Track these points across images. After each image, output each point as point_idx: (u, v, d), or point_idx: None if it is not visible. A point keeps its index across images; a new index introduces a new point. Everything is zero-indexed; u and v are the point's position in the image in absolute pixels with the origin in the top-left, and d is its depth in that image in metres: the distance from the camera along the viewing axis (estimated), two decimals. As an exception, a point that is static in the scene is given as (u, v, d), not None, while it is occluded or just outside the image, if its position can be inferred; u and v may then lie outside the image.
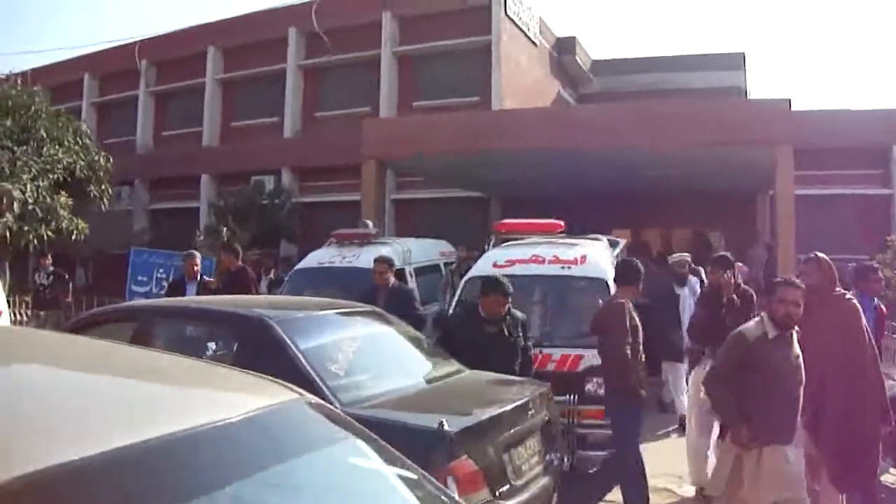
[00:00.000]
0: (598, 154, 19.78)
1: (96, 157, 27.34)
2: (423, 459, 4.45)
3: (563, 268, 11.17)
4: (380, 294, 11.74)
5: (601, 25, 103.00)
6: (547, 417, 7.40)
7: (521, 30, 31.18)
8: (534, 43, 32.64)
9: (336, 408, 5.27)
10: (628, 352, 8.44)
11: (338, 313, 8.24)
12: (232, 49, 35.79)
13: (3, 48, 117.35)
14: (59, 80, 39.20)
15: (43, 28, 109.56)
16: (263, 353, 6.67)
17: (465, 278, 12.24)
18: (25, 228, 23.44)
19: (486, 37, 29.55)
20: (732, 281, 9.76)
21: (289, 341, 6.76)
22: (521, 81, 30.74)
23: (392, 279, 12.42)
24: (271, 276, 17.85)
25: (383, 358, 7.86)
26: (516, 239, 13.52)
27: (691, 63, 37.30)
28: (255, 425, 2.74)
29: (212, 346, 7.71)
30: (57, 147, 25.74)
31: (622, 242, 16.48)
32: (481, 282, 9.47)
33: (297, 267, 16.83)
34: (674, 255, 15.90)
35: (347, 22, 32.07)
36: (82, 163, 26.46)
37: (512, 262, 11.61)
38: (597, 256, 11.66)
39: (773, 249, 20.22)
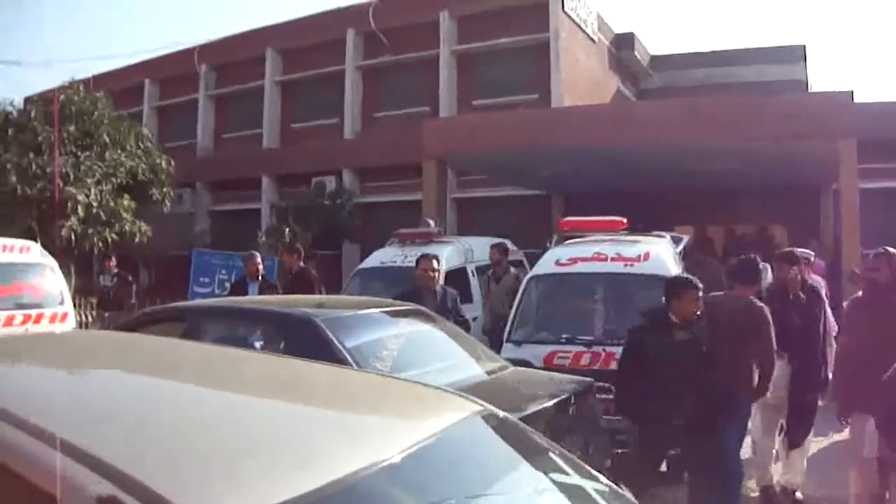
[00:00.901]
0: (659, 150, 19.62)
1: (158, 161, 27.72)
2: None
3: (626, 265, 11.09)
4: (426, 297, 10.54)
5: (659, 20, 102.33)
6: (590, 414, 7.50)
7: (578, 26, 31.04)
8: (592, 39, 32.49)
9: None
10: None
11: (382, 312, 8.42)
12: (290, 51, 35.98)
13: (67, 55, 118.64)
14: (121, 85, 39.53)
15: (105, 36, 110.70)
16: (311, 351, 6.38)
17: (528, 277, 12.18)
18: (90, 231, 23.83)
19: (544, 34, 29.43)
20: (799, 277, 9.58)
21: (335, 340, 6.98)
22: (580, 78, 30.62)
23: (439, 281, 11.57)
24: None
25: (427, 355, 7.95)
26: (579, 236, 13.45)
27: (751, 56, 36.96)
28: (456, 441, 2.72)
29: (259, 345, 7.66)
30: (119, 151, 26.16)
31: (685, 239, 16.39)
32: (667, 283, 8.38)
33: (359, 267, 16.93)
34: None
35: (405, 22, 32.09)
36: (144, 166, 26.86)
37: (574, 260, 11.56)
38: (660, 253, 11.56)
39: (838, 243, 19.97)
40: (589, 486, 2.95)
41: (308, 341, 6.91)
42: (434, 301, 10.61)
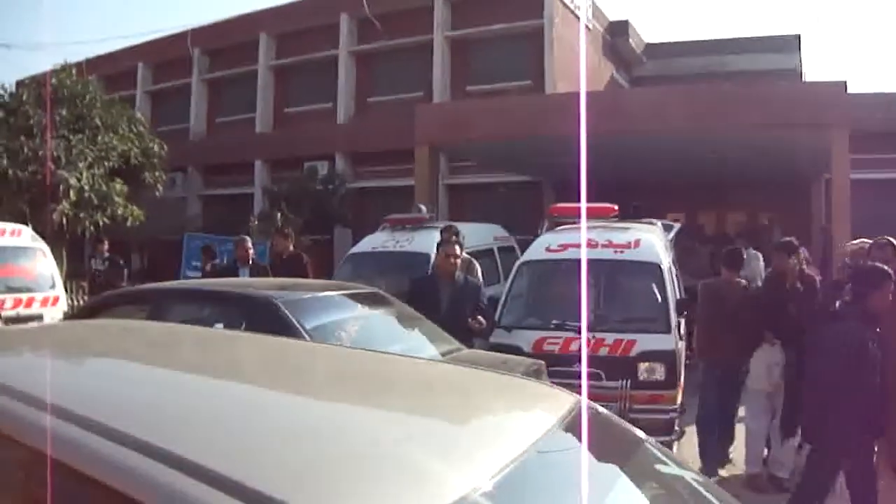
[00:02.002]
0: (651, 137, 19.63)
1: (150, 145, 27.67)
2: None
3: (616, 252, 11.04)
4: (444, 289, 9.78)
5: (654, 8, 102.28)
6: None
7: (573, 13, 31.02)
8: (586, 27, 32.48)
9: None
10: None
11: (341, 295, 8.63)
12: (284, 36, 35.98)
13: (59, 39, 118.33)
14: (114, 69, 39.85)
15: (99, 19, 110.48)
16: (271, 332, 6.36)
17: (518, 263, 12.19)
18: (81, 215, 23.79)
19: (538, 20, 29.45)
20: (797, 268, 9.64)
21: (295, 321, 7.18)
22: (574, 65, 30.59)
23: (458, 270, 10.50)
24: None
25: (385, 337, 8.12)
26: (569, 223, 13.45)
27: (745, 45, 37.04)
28: (567, 438, 2.64)
29: (220, 326, 7.79)
30: (112, 135, 26.07)
31: (676, 227, 16.40)
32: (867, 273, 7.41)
33: (351, 251, 16.90)
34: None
35: (399, 7, 32.10)
36: (137, 150, 26.79)
37: (565, 247, 11.53)
38: (651, 240, 11.54)
39: (829, 233, 20.00)
40: (688, 475, 2.98)
41: (269, 322, 7.04)
42: (452, 289, 9.72)
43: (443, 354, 7.86)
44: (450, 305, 9.31)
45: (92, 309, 8.12)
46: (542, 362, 8.25)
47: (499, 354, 8.86)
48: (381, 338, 8.03)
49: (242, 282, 10.87)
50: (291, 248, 14.25)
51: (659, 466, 2.93)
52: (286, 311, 7.24)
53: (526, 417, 2.81)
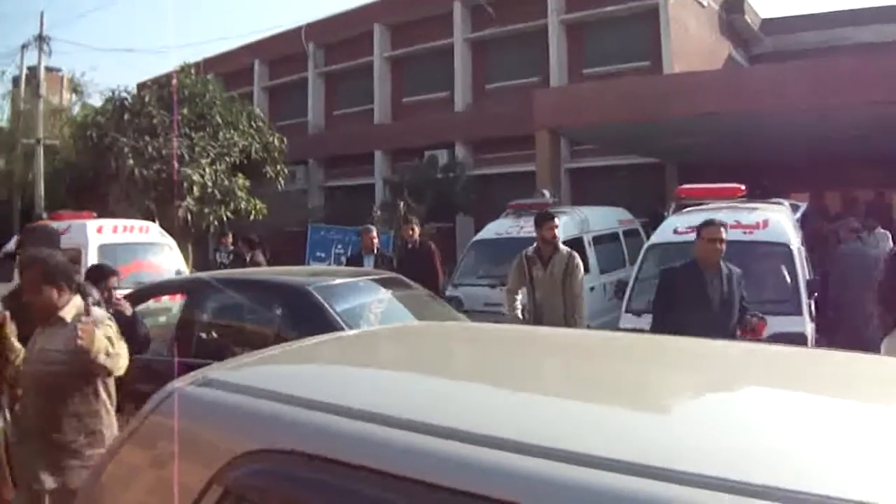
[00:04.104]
0: (773, 116, 19.40)
1: (270, 139, 28.21)
2: None
3: (745, 233, 11.00)
4: (711, 281, 8.37)
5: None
6: None
7: (688, -8, 30.75)
8: (701, 4, 32.06)
9: None
10: None
11: (366, 280, 9.50)
12: (398, 26, 36.26)
13: (177, 41, 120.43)
14: (231, 67, 40.59)
15: (215, 21, 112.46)
16: (306, 316, 7.85)
17: (646, 246, 12.25)
18: (205, 211, 24.36)
19: (653, 1, 29.21)
20: None
21: (327, 305, 7.90)
22: (691, 44, 30.27)
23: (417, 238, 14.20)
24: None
25: (407, 316, 8.72)
26: (697, 205, 13.42)
27: (865, 17, 36.07)
28: None
29: (257, 313, 8.78)
30: (232, 131, 26.65)
31: (803, 206, 16.24)
32: None
33: (475, 238, 17.10)
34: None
35: (512, -8, 32.05)
36: (257, 145, 27.36)
37: (693, 229, 11.55)
38: (780, 221, 11.49)
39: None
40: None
41: (303, 307, 7.87)
42: (719, 281, 8.36)
43: None
44: (721, 300, 8.31)
45: (132, 299, 8.62)
46: None
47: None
48: (402, 316, 8.66)
49: (276, 271, 11.71)
50: (418, 237, 14.39)
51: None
52: (319, 297, 7.88)
53: None
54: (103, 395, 5.59)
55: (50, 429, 5.36)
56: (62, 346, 5.33)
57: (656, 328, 8.22)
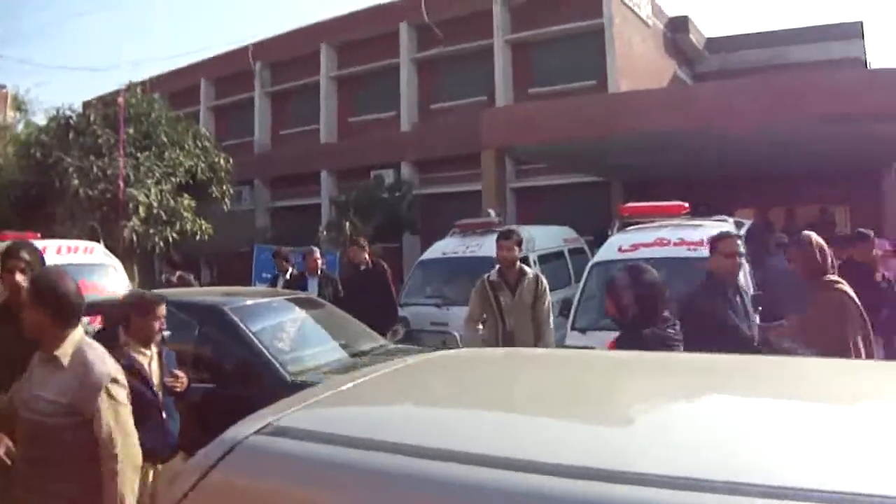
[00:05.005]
0: (717, 133, 19.51)
1: (216, 159, 28.13)
2: None
3: (689, 249, 11.05)
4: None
5: (714, 3, 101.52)
6: None
7: (633, 11, 30.89)
8: (646, 23, 32.32)
9: (285, 377, 7.51)
10: None
11: (280, 300, 9.79)
12: (345, 46, 36.16)
13: (124, 59, 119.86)
14: (177, 86, 40.55)
15: (161, 39, 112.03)
16: (221, 335, 8.10)
17: (591, 264, 12.27)
18: (151, 231, 24.16)
19: (598, 20, 29.31)
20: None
21: (242, 325, 8.18)
22: (636, 63, 30.47)
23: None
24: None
25: (320, 335, 9.24)
26: (641, 223, 13.44)
27: (807, 35, 36.56)
28: None
29: (174, 332, 8.29)
30: (178, 151, 26.61)
31: (747, 224, 16.32)
32: None
33: (421, 258, 17.11)
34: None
35: (458, 12, 32.12)
36: (203, 165, 27.27)
37: (636, 246, 11.58)
38: (723, 238, 11.55)
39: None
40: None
41: (219, 327, 8.06)
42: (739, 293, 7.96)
43: (371, 350, 8.94)
44: (744, 314, 7.77)
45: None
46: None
47: (420, 349, 9.45)
48: (315, 337, 9.16)
49: (193, 291, 12.04)
50: (368, 257, 14.27)
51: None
52: (234, 316, 8.13)
53: None
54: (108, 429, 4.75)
55: (40, 479, 4.71)
56: (55, 394, 4.65)
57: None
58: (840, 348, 6.09)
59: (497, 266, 10.02)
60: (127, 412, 4.84)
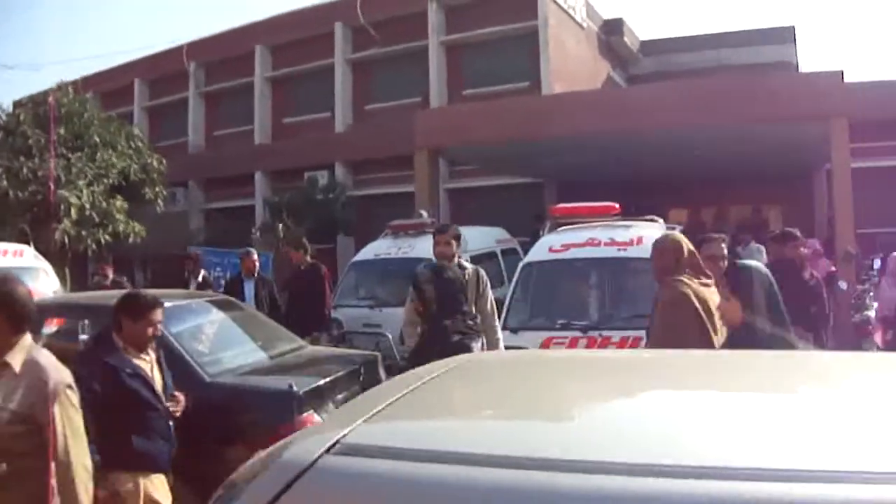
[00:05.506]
0: (651, 134, 19.64)
1: (149, 160, 27.72)
2: (277, 414, 6.71)
3: (619, 250, 11.15)
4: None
5: (648, 5, 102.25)
6: (377, 381, 8.15)
7: (567, 13, 31.04)
8: (581, 26, 32.48)
9: (204, 378, 7.40)
10: None
11: (198, 301, 9.64)
12: (279, 46, 35.99)
13: (55, 58, 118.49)
14: (110, 86, 40.02)
15: (94, 37, 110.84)
16: None
17: (522, 264, 12.28)
18: (83, 233, 23.78)
19: (532, 22, 29.41)
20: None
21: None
22: (570, 65, 30.61)
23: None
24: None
25: (239, 337, 9.16)
26: (572, 223, 13.46)
27: (740, 39, 37.01)
28: None
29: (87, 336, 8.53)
30: (110, 152, 26.13)
31: (679, 227, 16.45)
32: None
33: (353, 260, 17.05)
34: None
35: (393, 13, 32.11)
36: (136, 166, 26.85)
37: (567, 247, 11.62)
38: (653, 237, 11.59)
39: (832, 223, 20.02)
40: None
41: None
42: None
43: (290, 350, 9.01)
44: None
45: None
46: (378, 354, 9.35)
47: (339, 349, 10.38)
48: (234, 338, 9.07)
49: (106, 294, 11.16)
50: (309, 259, 14.16)
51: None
52: None
53: None
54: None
55: None
56: (4, 401, 4.37)
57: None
58: (674, 343, 6.12)
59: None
60: (80, 419, 4.64)
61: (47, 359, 4.64)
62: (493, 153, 23.44)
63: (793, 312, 7.95)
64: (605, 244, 11.30)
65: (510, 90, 28.62)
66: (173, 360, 7.63)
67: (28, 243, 18.27)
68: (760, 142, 20.33)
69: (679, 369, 3.26)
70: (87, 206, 23.87)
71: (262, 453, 2.43)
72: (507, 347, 9.59)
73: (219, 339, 8.63)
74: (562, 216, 14.57)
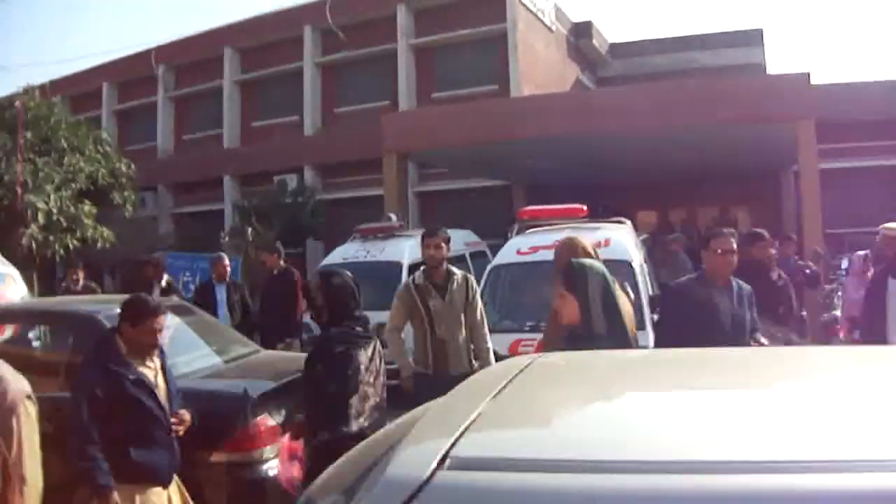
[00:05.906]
0: (620, 137, 19.70)
1: (118, 165, 27.49)
2: (232, 418, 6.69)
3: (587, 251, 11.13)
4: (720, 297, 7.04)
5: (617, 8, 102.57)
6: None
7: (536, 16, 31.13)
8: (550, 29, 32.56)
9: None
10: None
11: None
12: (248, 50, 35.90)
13: (21, 60, 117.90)
14: (78, 90, 39.79)
15: (62, 40, 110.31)
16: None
17: (490, 267, 12.27)
18: (51, 238, 23.56)
19: (501, 25, 29.51)
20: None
21: None
22: (539, 68, 30.68)
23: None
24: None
25: (193, 342, 9.03)
26: (540, 226, 13.47)
27: (709, 42, 37.26)
28: None
29: (47, 341, 8.81)
30: (78, 156, 25.89)
31: (644, 235, 16.54)
32: None
33: (322, 264, 16.92)
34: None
35: (362, 17, 32.11)
36: (104, 171, 26.60)
37: (535, 249, 11.62)
38: (621, 239, 11.62)
39: (800, 224, 20.11)
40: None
41: (92, 335, 7.46)
42: (729, 297, 7.26)
43: (246, 354, 8.98)
44: (732, 320, 7.14)
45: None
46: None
47: (294, 353, 10.39)
48: (189, 343, 8.91)
49: (63, 300, 11.77)
50: (282, 263, 14.09)
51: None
52: (107, 324, 7.69)
53: None
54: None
55: None
56: None
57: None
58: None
59: (422, 268, 8.87)
60: (35, 432, 4.38)
61: (5, 368, 4.35)
62: (462, 156, 23.46)
63: (761, 313, 7.94)
64: (574, 246, 11.32)
65: (479, 93, 28.67)
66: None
67: (-6, 249, 18.14)
68: (728, 143, 20.43)
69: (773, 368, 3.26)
70: (55, 210, 23.66)
71: (342, 462, 2.35)
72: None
73: (174, 343, 8.38)
74: (530, 219, 14.59)
